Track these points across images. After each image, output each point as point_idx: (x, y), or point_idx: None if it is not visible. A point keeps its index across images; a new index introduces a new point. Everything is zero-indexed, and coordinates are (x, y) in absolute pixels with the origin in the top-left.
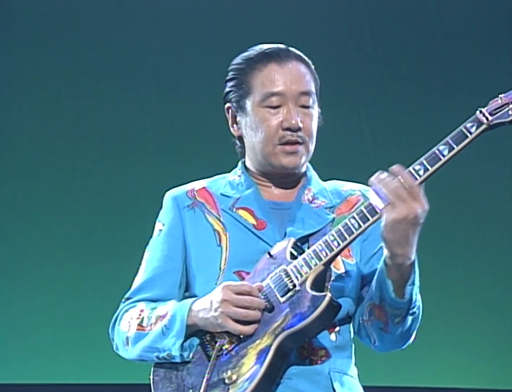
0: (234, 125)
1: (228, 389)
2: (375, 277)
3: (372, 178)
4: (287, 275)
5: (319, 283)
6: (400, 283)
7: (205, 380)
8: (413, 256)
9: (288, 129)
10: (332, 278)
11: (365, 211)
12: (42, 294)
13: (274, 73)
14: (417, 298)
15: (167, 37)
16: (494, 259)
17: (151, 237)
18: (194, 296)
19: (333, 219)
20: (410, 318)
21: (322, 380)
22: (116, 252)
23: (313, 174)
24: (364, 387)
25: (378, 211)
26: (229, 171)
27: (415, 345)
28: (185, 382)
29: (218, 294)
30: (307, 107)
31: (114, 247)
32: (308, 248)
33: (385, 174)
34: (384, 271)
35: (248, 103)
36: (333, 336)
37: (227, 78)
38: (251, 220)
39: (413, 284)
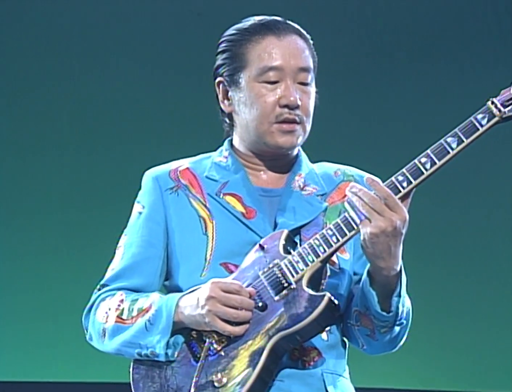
0: (225, 101)
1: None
2: (360, 286)
3: (347, 191)
4: (281, 271)
5: (315, 281)
6: (385, 295)
7: (193, 382)
8: (398, 267)
9: (286, 106)
10: (328, 274)
11: None
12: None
13: (272, 46)
14: (404, 309)
15: (146, 11)
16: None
17: (128, 219)
18: (176, 286)
19: (326, 208)
20: (397, 328)
21: (315, 382)
22: (91, 236)
23: (303, 157)
24: (356, 389)
25: (357, 223)
26: (213, 151)
27: (408, 346)
28: (170, 382)
29: (205, 291)
30: (305, 84)
31: (89, 229)
32: (300, 239)
33: (359, 186)
34: (367, 282)
35: (243, 78)
36: (324, 335)
37: (219, 50)
38: (240, 208)
39: (399, 296)
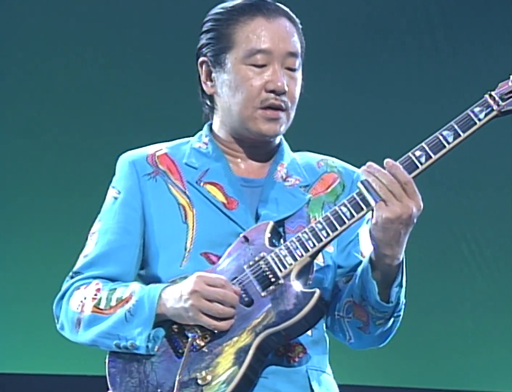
0: (208, 82)
1: (202, 390)
2: (358, 275)
3: (363, 169)
4: (268, 265)
5: (302, 276)
6: (386, 284)
7: (177, 379)
8: (402, 256)
9: (273, 91)
10: (314, 269)
11: (358, 199)
12: None
13: (261, 28)
14: (403, 300)
15: None
16: None
17: (102, 204)
18: (154, 276)
19: (309, 200)
20: (392, 320)
21: (300, 379)
22: (63, 222)
23: (285, 146)
24: (339, 386)
25: (371, 205)
26: (192, 135)
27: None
28: (149, 378)
29: (189, 284)
30: (293, 70)
31: (60, 215)
32: (284, 232)
33: (376, 166)
34: (369, 270)
35: (228, 59)
36: (309, 331)
37: (204, 29)
38: (221, 197)
39: (400, 286)
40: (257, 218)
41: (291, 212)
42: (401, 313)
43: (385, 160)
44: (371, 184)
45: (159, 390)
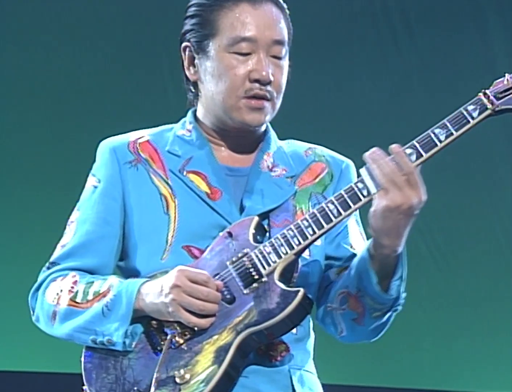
0: (191, 67)
1: (180, 389)
2: (354, 266)
3: (367, 155)
4: (252, 262)
5: (287, 274)
6: (385, 275)
7: (154, 377)
8: (401, 248)
9: (257, 81)
10: (300, 265)
11: (345, 196)
12: None
13: (246, 14)
14: (403, 294)
15: None
16: None
17: (81, 192)
18: (134, 268)
19: (295, 191)
20: (390, 313)
21: (282, 379)
22: (40, 211)
23: (272, 135)
24: (323, 385)
25: (372, 193)
26: (176, 122)
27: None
28: (126, 375)
29: (171, 278)
30: (279, 58)
31: (37, 204)
32: (269, 225)
33: (381, 152)
34: (367, 260)
35: (212, 46)
36: (293, 329)
37: (188, 14)
38: (204, 187)
39: (400, 279)
40: (242, 209)
41: (277, 203)
42: (400, 307)
43: (392, 146)
44: (375, 171)
45: (135, 387)
